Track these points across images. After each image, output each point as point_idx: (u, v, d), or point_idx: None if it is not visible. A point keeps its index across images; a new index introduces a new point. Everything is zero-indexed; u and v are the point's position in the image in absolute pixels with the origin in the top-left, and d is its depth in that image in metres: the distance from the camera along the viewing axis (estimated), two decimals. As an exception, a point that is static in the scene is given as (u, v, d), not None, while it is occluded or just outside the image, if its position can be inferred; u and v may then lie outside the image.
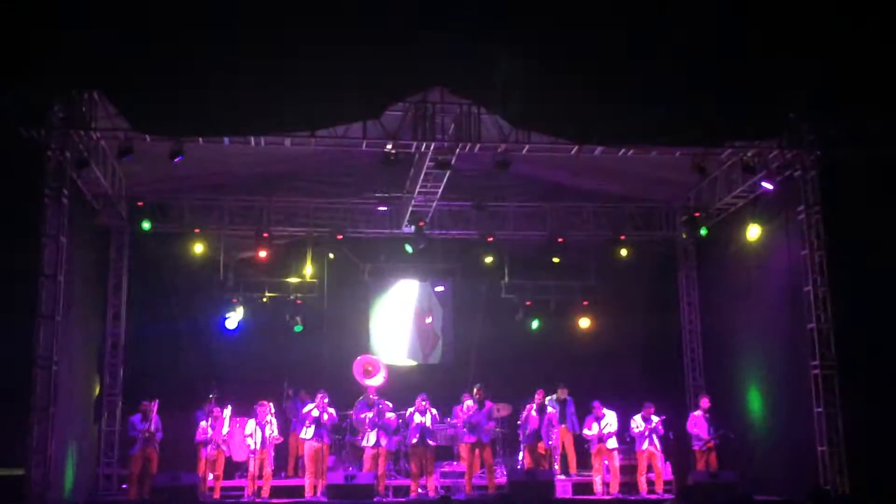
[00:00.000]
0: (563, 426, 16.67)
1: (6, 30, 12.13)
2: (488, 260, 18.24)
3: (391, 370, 17.83)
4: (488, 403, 15.35)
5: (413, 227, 17.19)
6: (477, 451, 15.28)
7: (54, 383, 12.76)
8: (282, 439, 15.71)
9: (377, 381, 16.96)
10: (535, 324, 19.04)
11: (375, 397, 15.77)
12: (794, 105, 13.97)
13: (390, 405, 15.73)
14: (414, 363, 19.20)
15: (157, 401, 15.16)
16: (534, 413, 15.70)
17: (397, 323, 19.45)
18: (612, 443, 15.57)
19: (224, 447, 15.16)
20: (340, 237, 17.46)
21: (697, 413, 16.06)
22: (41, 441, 12.53)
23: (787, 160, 14.66)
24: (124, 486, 15.88)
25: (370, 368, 17.19)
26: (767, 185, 14.95)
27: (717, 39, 13.41)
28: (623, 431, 15.75)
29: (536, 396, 15.83)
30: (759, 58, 13.61)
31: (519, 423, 16.31)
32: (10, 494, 12.50)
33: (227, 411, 15.38)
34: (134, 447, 15.09)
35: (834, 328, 13.97)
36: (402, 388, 16.92)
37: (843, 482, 13.45)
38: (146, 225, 16.43)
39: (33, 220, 13.03)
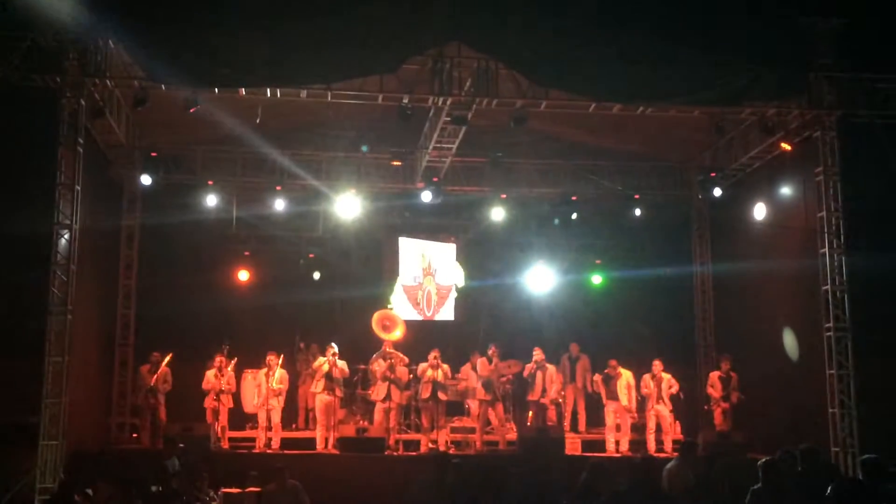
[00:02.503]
0: (572, 384, 16.71)
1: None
2: (501, 217, 18.17)
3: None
4: (501, 363, 15.42)
5: (425, 183, 17.12)
6: (489, 407, 15.35)
7: (69, 332, 12.80)
8: (285, 387, 15.60)
9: (395, 336, 16.99)
10: (545, 280, 18.93)
11: (391, 351, 15.81)
12: (815, 65, 13.84)
13: (406, 359, 15.77)
14: (424, 319, 19.18)
15: (171, 354, 15.23)
16: (535, 371, 15.76)
17: (408, 278, 19.41)
18: (625, 400, 15.60)
19: (225, 398, 15.20)
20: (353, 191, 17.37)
21: (716, 373, 16.08)
22: (55, 389, 12.60)
23: (806, 121, 14.54)
24: (135, 434, 16.04)
25: (388, 323, 17.20)
26: (786, 146, 14.83)
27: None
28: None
29: (535, 354, 15.87)
30: (780, 16, 13.47)
31: (524, 379, 16.37)
32: (25, 442, 12.60)
33: (232, 365, 15.42)
34: (139, 398, 15.25)
35: (848, 290, 13.93)
36: (412, 343, 16.93)
37: (854, 444, 13.49)
38: (146, 179, 16.25)
39: (48, 170, 13.00)
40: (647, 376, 15.65)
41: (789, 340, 15.07)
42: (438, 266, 19.47)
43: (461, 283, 19.43)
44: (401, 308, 18.72)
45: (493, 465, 13.39)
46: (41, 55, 12.60)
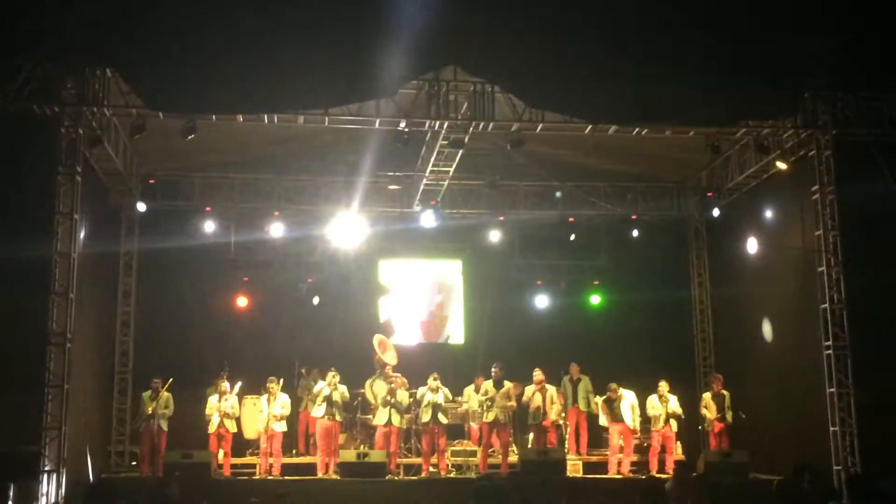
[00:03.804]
0: (574, 406, 16.64)
1: (20, 7, 12.10)
2: (499, 239, 18.26)
3: (404, 349, 17.84)
4: (505, 383, 15.37)
5: (422, 206, 17.19)
6: (493, 430, 15.29)
7: (68, 360, 12.78)
8: (286, 413, 15.54)
9: (389, 359, 17.00)
10: (543, 301, 18.97)
11: (393, 374, 15.80)
12: (810, 84, 13.92)
13: (407, 383, 15.76)
14: (425, 342, 19.19)
15: (171, 379, 15.20)
16: (535, 392, 15.70)
17: (408, 302, 19.41)
18: (631, 421, 15.55)
19: (231, 423, 15.15)
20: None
21: (708, 393, 16.09)
22: (56, 418, 12.57)
23: (801, 140, 14.62)
24: (134, 462, 15.97)
25: (384, 347, 17.21)
26: (781, 165, 14.90)
27: (732, 18, 13.34)
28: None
29: (535, 375, 15.83)
30: (775, 36, 13.55)
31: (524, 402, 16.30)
32: (26, 472, 12.54)
33: (237, 388, 15.40)
34: (140, 424, 15.19)
35: (847, 308, 13.96)
36: (413, 367, 16.88)
37: (855, 462, 13.48)
38: (142, 206, 16.44)
39: (46, 198, 13.03)
40: (653, 397, 15.61)
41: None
42: (445, 290, 19.47)
43: (461, 305, 19.46)
44: (397, 332, 18.74)
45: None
46: (39, 84, 12.69)
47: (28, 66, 12.59)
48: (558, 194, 17.87)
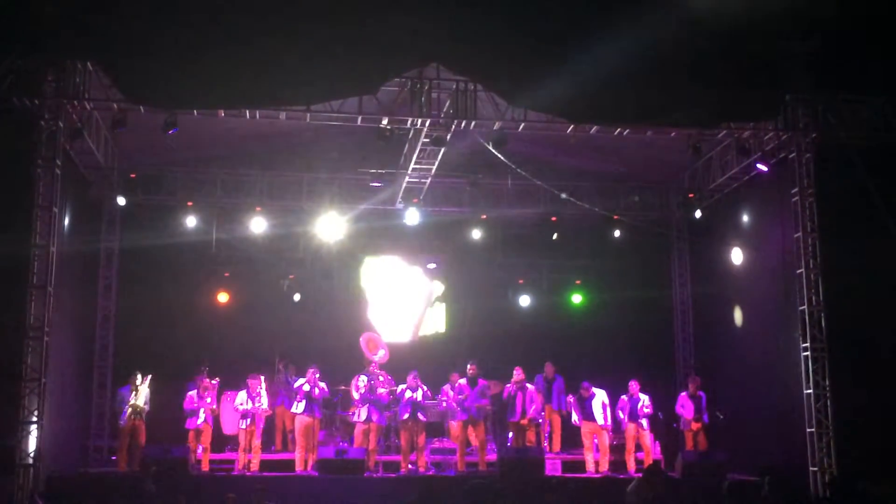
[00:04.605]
0: (549, 405, 16.64)
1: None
2: (481, 237, 18.28)
3: (388, 347, 17.84)
4: (481, 381, 15.39)
5: (405, 204, 17.21)
6: (469, 427, 15.32)
7: (46, 354, 12.73)
8: (270, 412, 15.62)
9: (379, 357, 17.01)
10: (525, 300, 19.02)
11: (378, 371, 15.79)
12: (791, 87, 13.97)
13: (392, 380, 15.76)
14: (405, 340, 19.18)
15: (150, 376, 15.15)
16: (515, 391, 15.71)
17: (389, 299, 19.40)
18: (601, 419, 15.58)
19: (210, 419, 15.11)
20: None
21: (685, 394, 16.14)
22: (32, 412, 12.51)
23: (782, 142, 14.71)
24: (113, 457, 15.91)
25: (372, 345, 17.22)
26: (762, 167, 14.98)
27: (713, 20, 13.37)
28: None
29: (515, 374, 15.84)
30: (756, 39, 13.60)
31: (504, 400, 16.31)
32: (1, 466, 12.48)
33: (216, 383, 15.35)
34: (121, 419, 15.13)
35: (825, 310, 14.04)
36: (393, 364, 16.91)
37: (831, 464, 13.55)
38: (121, 200, 16.46)
39: (26, 191, 12.97)
40: (624, 397, 15.65)
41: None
42: (418, 286, 19.48)
43: (441, 303, 19.48)
44: (378, 329, 18.74)
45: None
46: (19, 77, 12.61)
47: (8, 58, 12.49)
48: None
